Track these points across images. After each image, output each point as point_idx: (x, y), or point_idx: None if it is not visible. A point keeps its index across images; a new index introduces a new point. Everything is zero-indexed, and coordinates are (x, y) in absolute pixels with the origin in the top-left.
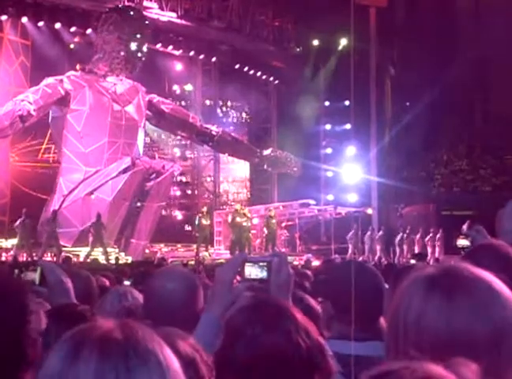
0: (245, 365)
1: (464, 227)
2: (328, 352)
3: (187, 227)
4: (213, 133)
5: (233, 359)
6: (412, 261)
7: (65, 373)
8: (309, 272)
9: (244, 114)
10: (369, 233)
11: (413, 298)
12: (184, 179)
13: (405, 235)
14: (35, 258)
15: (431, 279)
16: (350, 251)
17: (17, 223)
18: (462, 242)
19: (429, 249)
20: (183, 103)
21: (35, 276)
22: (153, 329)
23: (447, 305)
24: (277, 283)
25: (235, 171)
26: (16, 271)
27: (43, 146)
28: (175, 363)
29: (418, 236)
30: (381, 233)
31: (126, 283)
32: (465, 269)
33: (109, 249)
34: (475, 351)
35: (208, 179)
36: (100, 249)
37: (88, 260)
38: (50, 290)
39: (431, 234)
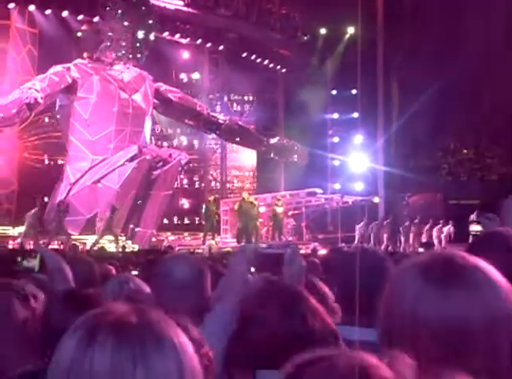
0: (259, 347)
1: (473, 215)
2: (339, 336)
3: (194, 216)
4: (220, 121)
5: (247, 340)
6: (420, 250)
7: (80, 358)
8: (317, 260)
9: (251, 103)
10: (376, 221)
11: (408, 287)
12: (191, 168)
13: (412, 224)
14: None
15: (425, 267)
16: (356, 240)
17: (32, 211)
18: (475, 228)
19: (435, 240)
20: (190, 91)
21: (35, 263)
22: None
23: (442, 294)
24: (290, 274)
25: (242, 160)
26: (19, 258)
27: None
28: (189, 348)
29: (427, 226)
30: (388, 220)
31: (134, 272)
32: (460, 257)
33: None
34: (470, 341)
35: (215, 168)
36: (108, 237)
37: (95, 248)
38: (50, 276)
39: (439, 225)
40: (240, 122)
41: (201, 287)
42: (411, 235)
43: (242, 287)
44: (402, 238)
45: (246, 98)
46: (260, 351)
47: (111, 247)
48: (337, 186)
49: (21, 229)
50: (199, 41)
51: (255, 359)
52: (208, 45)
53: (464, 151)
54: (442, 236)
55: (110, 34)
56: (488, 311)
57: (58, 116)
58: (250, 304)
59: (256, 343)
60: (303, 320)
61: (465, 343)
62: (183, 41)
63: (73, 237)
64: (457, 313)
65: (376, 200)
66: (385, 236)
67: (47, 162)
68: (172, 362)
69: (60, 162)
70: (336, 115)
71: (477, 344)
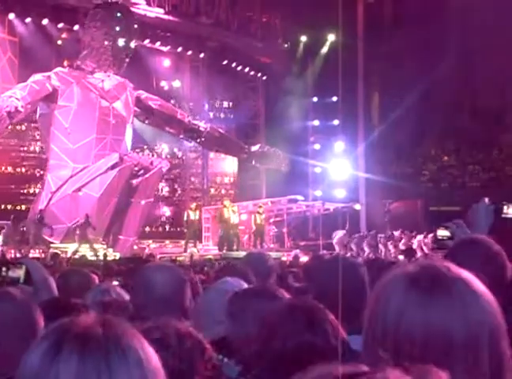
0: (281, 357)
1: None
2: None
3: (175, 223)
4: (201, 129)
5: (269, 351)
6: (400, 257)
7: (45, 371)
8: (295, 270)
9: (232, 111)
10: (358, 234)
11: (392, 296)
12: (172, 175)
13: (392, 232)
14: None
15: (410, 277)
16: (337, 249)
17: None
18: (442, 233)
19: (417, 248)
20: (171, 99)
21: (20, 274)
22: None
23: (425, 304)
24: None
25: (224, 167)
26: (4, 268)
27: None
28: (154, 360)
29: (405, 232)
30: (372, 233)
31: (115, 283)
32: (445, 268)
33: (97, 246)
34: (451, 353)
35: (197, 175)
36: (88, 246)
37: (76, 257)
38: (35, 287)
39: (422, 234)
40: (221, 130)
41: (181, 297)
42: (390, 243)
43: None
44: (382, 247)
45: (227, 105)
46: (284, 363)
47: (92, 255)
48: (319, 193)
49: None
50: (180, 49)
51: (274, 366)
52: (189, 53)
53: (446, 157)
54: (422, 244)
55: (90, 42)
56: (471, 323)
57: (38, 124)
58: (276, 316)
59: (281, 356)
60: (324, 334)
61: (446, 355)
62: (164, 49)
63: (54, 245)
64: (439, 324)
65: (357, 207)
66: (365, 245)
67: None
68: (136, 374)
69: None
70: (317, 122)
71: (458, 356)
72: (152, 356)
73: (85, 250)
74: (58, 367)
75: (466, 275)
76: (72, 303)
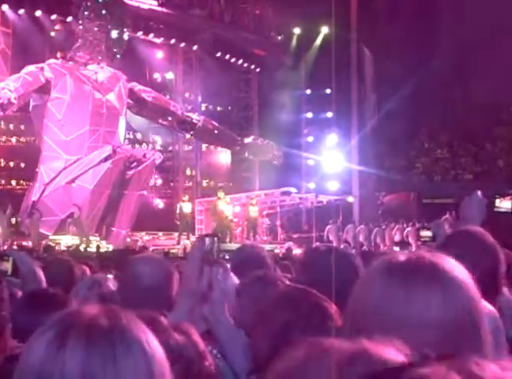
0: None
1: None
2: None
3: (168, 215)
4: (194, 121)
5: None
6: (396, 249)
7: (50, 359)
8: (288, 263)
9: (225, 103)
10: (350, 225)
11: (374, 283)
12: (165, 167)
13: (386, 224)
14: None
15: (392, 265)
16: (329, 240)
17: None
18: (425, 233)
19: (411, 239)
20: (164, 91)
21: (7, 266)
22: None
23: (404, 292)
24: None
25: (217, 159)
26: None
27: None
28: (159, 351)
29: (399, 224)
30: (362, 226)
31: (109, 276)
32: (428, 257)
33: (90, 237)
34: (428, 343)
35: (190, 167)
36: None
37: (70, 249)
38: (23, 279)
39: (411, 224)
40: (214, 122)
41: (167, 289)
42: (385, 235)
43: (192, 292)
44: (378, 238)
45: (220, 97)
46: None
47: (86, 247)
48: (312, 186)
49: None
50: (173, 41)
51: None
52: (182, 45)
53: (438, 150)
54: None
55: (84, 34)
56: (450, 308)
57: (31, 116)
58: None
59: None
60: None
61: (424, 345)
62: (157, 41)
63: (51, 238)
64: (417, 313)
65: (350, 199)
66: (361, 237)
67: None
68: (142, 365)
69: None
70: (310, 114)
71: (436, 346)
72: (156, 347)
73: (78, 242)
74: (64, 356)
75: (450, 264)
76: (55, 294)
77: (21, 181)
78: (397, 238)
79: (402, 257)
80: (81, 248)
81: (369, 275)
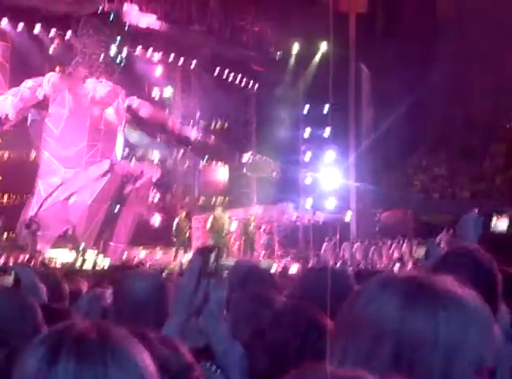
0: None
1: (441, 235)
2: None
3: (166, 231)
4: (193, 137)
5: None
6: (397, 265)
7: (42, 375)
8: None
9: (223, 119)
10: (347, 243)
11: (364, 299)
12: (163, 183)
13: (383, 241)
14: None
15: (391, 284)
16: (326, 258)
17: None
18: (418, 251)
19: (406, 256)
20: (163, 106)
21: (9, 280)
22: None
23: (404, 311)
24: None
25: (215, 175)
26: None
27: None
28: (150, 365)
29: (395, 242)
30: (359, 244)
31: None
32: (428, 277)
33: (89, 251)
34: (425, 364)
35: (187, 183)
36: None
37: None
38: (24, 293)
39: (406, 240)
40: (212, 138)
41: (162, 304)
42: (382, 252)
43: (187, 303)
44: (375, 256)
45: (218, 113)
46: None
47: (82, 262)
48: (309, 202)
49: None
50: (172, 57)
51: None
52: (181, 61)
53: (436, 168)
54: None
55: (82, 49)
56: (448, 336)
57: (29, 131)
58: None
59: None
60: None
61: (420, 365)
62: (156, 56)
63: (43, 252)
64: (415, 333)
65: (348, 216)
66: (358, 254)
67: None
68: None
69: None
70: (308, 131)
71: (432, 370)
72: (148, 362)
73: (75, 257)
74: (56, 371)
75: (450, 285)
76: (58, 309)
77: (12, 195)
78: (394, 255)
79: (399, 275)
80: (78, 264)
81: (364, 291)
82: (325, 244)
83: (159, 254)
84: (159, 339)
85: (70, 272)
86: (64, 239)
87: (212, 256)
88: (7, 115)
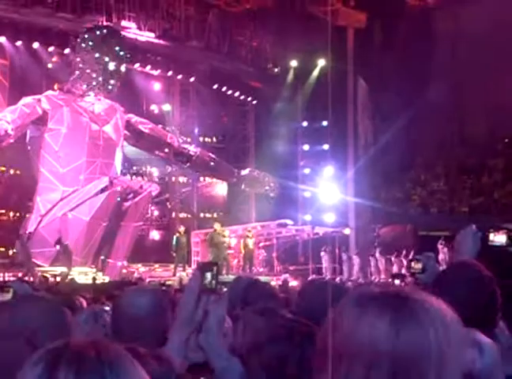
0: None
1: (439, 242)
2: None
3: (164, 247)
4: (191, 153)
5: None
6: (396, 282)
7: None
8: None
9: (222, 134)
10: (345, 256)
11: (346, 315)
12: (162, 199)
13: (381, 255)
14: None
15: (360, 298)
16: (325, 271)
17: None
18: (415, 266)
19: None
20: (161, 122)
21: (8, 297)
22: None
23: (393, 333)
24: None
25: (213, 191)
26: None
27: None
28: None
29: (394, 256)
30: (355, 256)
31: (107, 308)
32: (409, 293)
33: (86, 269)
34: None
35: (186, 199)
36: (78, 269)
37: (66, 281)
38: None
39: (404, 254)
40: (211, 154)
41: (161, 320)
42: (381, 267)
43: (188, 322)
44: (373, 270)
45: (217, 129)
46: None
47: (81, 279)
48: (308, 217)
49: None
50: (170, 73)
51: None
52: (180, 77)
53: (435, 182)
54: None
55: (81, 65)
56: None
57: (28, 147)
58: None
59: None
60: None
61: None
62: (154, 72)
63: (43, 269)
64: (411, 348)
65: (347, 231)
66: (355, 268)
67: None
68: None
69: None
70: (306, 147)
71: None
72: (145, 378)
73: (74, 274)
74: None
75: (430, 300)
76: None
77: (9, 212)
78: (393, 269)
79: (373, 289)
80: (77, 280)
81: (348, 311)
82: (322, 253)
83: (158, 270)
84: (149, 353)
85: (69, 288)
86: (62, 255)
87: (211, 272)
88: (6, 131)
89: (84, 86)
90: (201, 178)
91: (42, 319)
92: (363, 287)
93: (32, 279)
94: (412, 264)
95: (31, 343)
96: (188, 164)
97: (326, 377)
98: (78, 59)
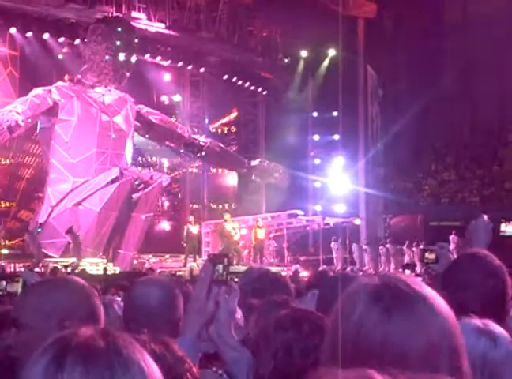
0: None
1: (451, 237)
2: None
3: (175, 238)
4: (202, 143)
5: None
6: (407, 272)
7: None
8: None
9: (232, 125)
10: (356, 245)
11: (354, 309)
12: (172, 190)
13: (392, 246)
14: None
15: (371, 293)
16: (336, 261)
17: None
18: (428, 256)
19: (417, 261)
20: (171, 113)
21: (17, 287)
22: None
23: (385, 320)
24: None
25: (224, 182)
26: (4, 282)
27: None
28: (156, 369)
29: (405, 247)
30: (366, 246)
31: (118, 299)
32: (408, 283)
33: (97, 260)
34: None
35: (197, 189)
36: (89, 260)
37: (76, 271)
38: None
39: (415, 244)
40: (221, 145)
41: (172, 310)
42: (391, 257)
43: (200, 315)
44: (383, 259)
45: (227, 120)
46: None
47: (92, 269)
48: (319, 208)
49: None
50: (180, 63)
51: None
52: (190, 67)
53: (445, 172)
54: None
55: (91, 56)
56: (428, 343)
57: (38, 138)
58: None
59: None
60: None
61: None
62: (164, 63)
63: (53, 259)
64: (396, 341)
65: (357, 221)
66: (366, 258)
67: None
68: None
69: None
70: (317, 137)
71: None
72: (154, 368)
73: (85, 264)
74: (62, 377)
75: (428, 292)
76: None
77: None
78: (404, 260)
79: (379, 284)
80: (88, 270)
81: (348, 301)
82: (332, 244)
83: (169, 261)
84: (151, 338)
85: (80, 278)
86: (72, 244)
87: (222, 264)
88: (17, 122)
89: (95, 77)
90: (212, 169)
91: (73, 301)
92: (368, 277)
93: (42, 270)
94: (426, 254)
95: (62, 325)
96: (198, 155)
97: (334, 366)
98: (88, 50)
